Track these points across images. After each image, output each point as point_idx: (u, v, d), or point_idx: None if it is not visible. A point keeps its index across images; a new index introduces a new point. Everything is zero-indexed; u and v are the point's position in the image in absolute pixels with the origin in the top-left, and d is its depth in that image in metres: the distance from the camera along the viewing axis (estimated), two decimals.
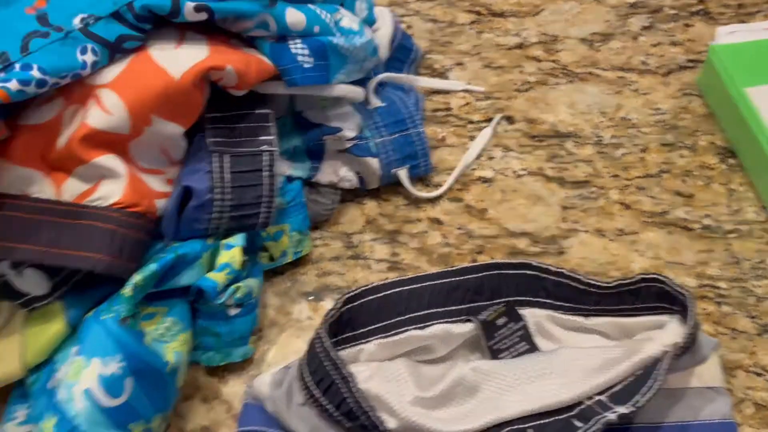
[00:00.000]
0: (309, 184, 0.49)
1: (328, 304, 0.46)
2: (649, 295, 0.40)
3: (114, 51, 0.37)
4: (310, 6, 0.43)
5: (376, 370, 0.40)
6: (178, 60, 0.37)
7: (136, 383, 0.36)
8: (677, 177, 0.51)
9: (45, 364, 0.38)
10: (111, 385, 0.35)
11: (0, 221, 0.35)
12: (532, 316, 0.43)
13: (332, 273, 0.48)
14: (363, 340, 0.41)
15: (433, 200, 0.51)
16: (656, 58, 0.58)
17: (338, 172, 0.49)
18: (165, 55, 0.37)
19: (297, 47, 0.42)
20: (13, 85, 0.33)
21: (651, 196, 0.51)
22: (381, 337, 0.41)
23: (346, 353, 0.40)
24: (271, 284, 0.47)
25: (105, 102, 0.36)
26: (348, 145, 0.48)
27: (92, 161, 0.36)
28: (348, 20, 0.45)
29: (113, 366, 0.35)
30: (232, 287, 0.41)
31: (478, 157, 0.53)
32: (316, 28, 0.42)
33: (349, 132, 0.47)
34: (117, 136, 0.37)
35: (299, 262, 0.48)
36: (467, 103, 0.56)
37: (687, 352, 0.39)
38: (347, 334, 0.41)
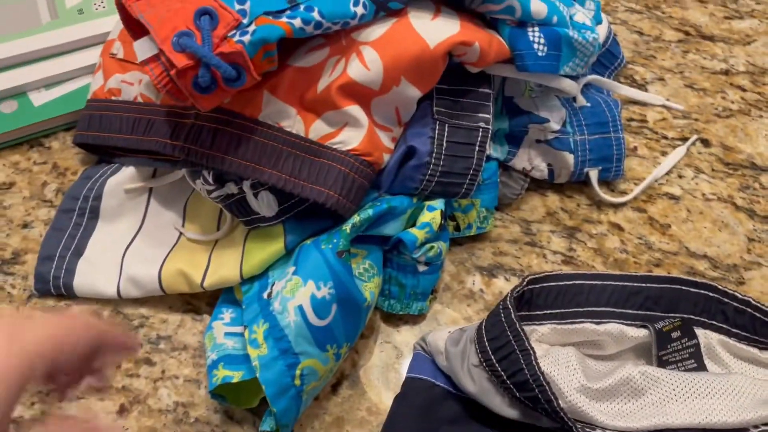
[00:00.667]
0: (502, 166, 0.51)
1: (500, 281, 0.49)
2: None
3: (380, 8, 0.40)
4: None
5: (548, 352, 0.42)
6: (434, 30, 0.40)
7: (339, 310, 0.40)
8: None
9: (259, 277, 0.43)
10: (320, 306, 0.39)
11: (255, 146, 0.40)
12: (704, 337, 0.43)
13: (507, 254, 0.50)
14: (538, 322, 0.43)
15: (616, 206, 0.52)
16: None
17: (532, 161, 0.51)
18: (423, 24, 0.41)
19: (534, 35, 0.44)
20: (297, 22, 0.37)
21: None
22: (556, 323, 0.43)
23: None
24: (450, 252, 0.50)
25: (366, 58, 0.40)
26: (550, 137, 0.50)
27: (343, 108, 0.40)
28: (582, 15, 0.46)
29: (325, 290, 0.39)
30: (427, 245, 0.44)
31: (668, 173, 0.53)
32: (555, 19, 0.44)
33: (555, 124, 0.49)
34: (367, 91, 0.40)
35: (478, 237, 0.51)
36: (664, 119, 0.56)
37: None
38: (523, 313, 0.43)
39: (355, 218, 0.41)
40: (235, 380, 0.40)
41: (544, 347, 0.43)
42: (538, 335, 0.43)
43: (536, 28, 0.44)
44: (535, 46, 0.44)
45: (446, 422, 0.41)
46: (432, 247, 0.44)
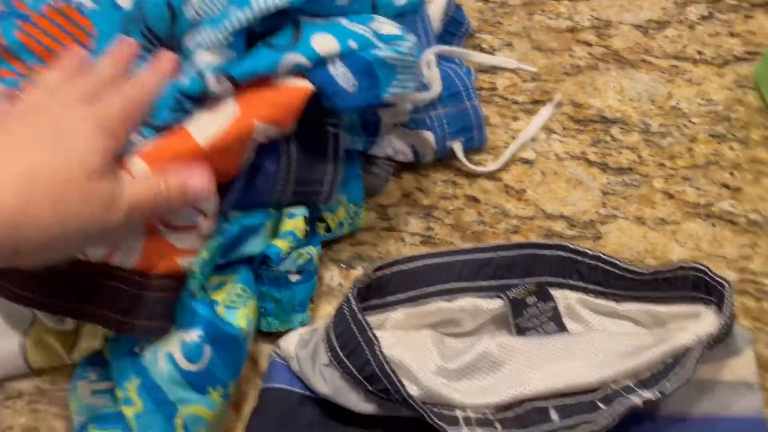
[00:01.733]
0: (364, 156, 0.49)
1: (358, 272, 0.47)
2: (685, 284, 0.40)
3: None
4: (338, 20, 0.40)
5: (401, 338, 0.40)
6: (204, 125, 0.36)
7: (214, 350, 0.38)
8: (725, 169, 0.50)
9: None
10: (191, 351, 0.37)
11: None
12: (563, 298, 0.42)
13: (365, 243, 0.48)
14: (390, 308, 0.42)
15: (470, 177, 0.51)
16: (712, 48, 0.57)
17: (394, 146, 0.49)
18: (197, 119, 0.37)
19: (338, 70, 0.38)
20: None
21: (696, 187, 0.49)
22: (408, 306, 0.41)
23: (372, 319, 0.41)
24: None
25: (133, 170, 0.35)
26: (404, 118, 0.48)
27: None
28: (388, 27, 0.41)
29: (193, 334, 0.37)
30: (294, 253, 0.42)
31: (533, 138, 0.52)
32: (352, 44, 0.38)
33: (407, 104, 0.47)
34: None
35: None
36: (513, 84, 0.56)
37: (720, 342, 0.38)
38: (375, 301, 0.42)
39: (203, 254, 0.38)
40: None
41: (400, 333, 0.41)
42: (392, 322, 0.41)
43: (338, 61, 0.38)
44: (341, 82, 0.38)
45: (305, 428, 0.39)
46: (301, 254, 0.42)
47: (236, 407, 0.41)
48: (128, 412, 0.37)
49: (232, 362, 0.39)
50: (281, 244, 0.41)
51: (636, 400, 0.35)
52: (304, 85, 0.38)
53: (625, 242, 0.47)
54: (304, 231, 0.42)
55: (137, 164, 0.35)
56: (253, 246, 0.42)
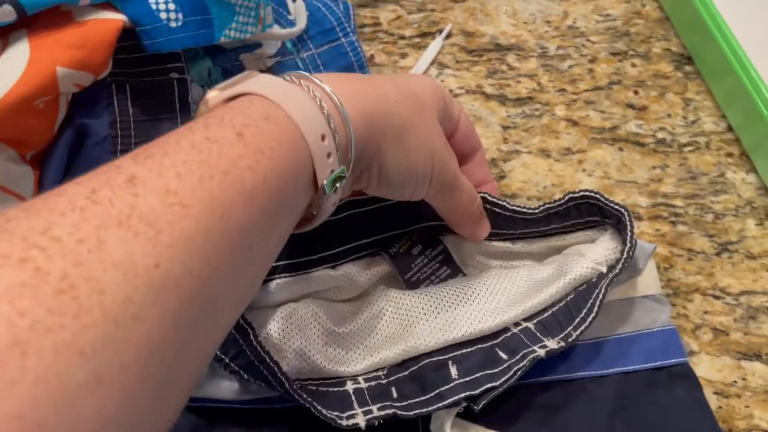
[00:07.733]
0: None
1: None
2: (579, 214, 0.38)
3: None
4: None
5: (280, 310, 0.37)
6: None
7: None
8: (629, 88, 0.48)
9: None
10: None
11: None
12: (453, 245, 0.40)
13: None
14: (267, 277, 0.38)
15: None
16: None
17: None
18: None
19: (158, 1, 0.34)
20: None
21: (600, 111, 0.47)
22: (288, 276, 0.38)
23: None
24: None
25: None
26: (270, 63, 0.44)
27: None
28: None
29: None
30: None
31: (425, 72, 0.49)
32: None
33: (269, 48, 0.43)
34: None
35: None
36: (398, 17, 0.52)
37: (623, 272, 0.36)
38: None
39: None
40: None
41: (279, 305, 0.37)
42: (268, 295, 0.38)
43: None
44: (164, 15, 0.35)
45: None
46: None
47: None
48: None
49: None
50: None
51: (540, 352, 0.33)
52: (114, 18, 0.33)
53: (530, 178, 0.45)
54: None
55: None
56: None
